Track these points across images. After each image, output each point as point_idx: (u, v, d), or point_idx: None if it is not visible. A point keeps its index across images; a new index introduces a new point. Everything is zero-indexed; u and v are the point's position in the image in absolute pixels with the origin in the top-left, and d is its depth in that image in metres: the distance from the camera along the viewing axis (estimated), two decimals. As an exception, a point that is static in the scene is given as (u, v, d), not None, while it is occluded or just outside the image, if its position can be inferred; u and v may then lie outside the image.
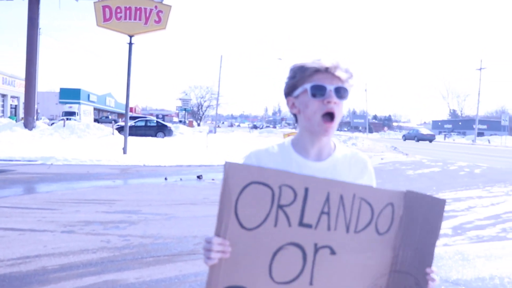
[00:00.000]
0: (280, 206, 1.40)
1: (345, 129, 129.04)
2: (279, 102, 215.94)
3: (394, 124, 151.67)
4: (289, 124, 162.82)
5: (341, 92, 1.60)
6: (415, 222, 1.51)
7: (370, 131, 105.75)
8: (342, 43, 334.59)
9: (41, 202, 8.50)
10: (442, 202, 1.50)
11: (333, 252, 1.45)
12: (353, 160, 1.74)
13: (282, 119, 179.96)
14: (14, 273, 4.70)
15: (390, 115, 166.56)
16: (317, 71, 1.59)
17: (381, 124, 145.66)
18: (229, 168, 1.37)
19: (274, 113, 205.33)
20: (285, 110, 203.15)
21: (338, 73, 1.60)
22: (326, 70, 1.59)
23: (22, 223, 6.81)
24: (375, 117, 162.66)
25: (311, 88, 1.59)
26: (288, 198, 1.41)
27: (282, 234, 1.40)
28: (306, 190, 1.42)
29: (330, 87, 1.58)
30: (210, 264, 1.38)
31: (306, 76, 1.60)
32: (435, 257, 4.20)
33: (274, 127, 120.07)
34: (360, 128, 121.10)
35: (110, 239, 6.10)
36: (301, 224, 1.42)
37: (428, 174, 16.07)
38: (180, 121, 76.36)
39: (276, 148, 1.73)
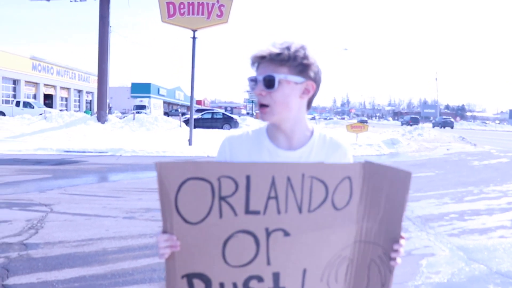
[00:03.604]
0: (222, 198, 1.38)
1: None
2: (347, 93, 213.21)
3: (468, 114, 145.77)
4: (357, 115, 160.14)
5: (267, 81, 1.53)
6: (379, 194, 1.47)
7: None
8: (410, 29, 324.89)
9: (107, 190, 9.07)
10: (408, 175, 1.44)
11: (287, 234, 1.42)
12: (332, 148, 1.67)
13: (351, 110, 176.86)
14: (78, 253, 5.13)
15: (463, 105, 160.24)
16: (253, 62, 1.58)
17: (454, 114, 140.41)
18: (161, 169, 1.36)
19: (343, 104, 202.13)
20: (354, 101, 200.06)
21: (269, 61, 1.54)
22: (261, 59, 1.55)
23: (89, 209, 7.33)
24: (447, 107, 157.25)
25: (248, 81, 1.59)
26: (229, 189, 1.38)
27: (230, 224, 1.39)
28: (248, 178, 1.38)
29: (259, 78, 1.54)
30: (162, 259, 1.42)
31: (250, 67, 1.59)
32: (488, 249, 4.29)
33: (343, 118, 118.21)
34: (431, 118, 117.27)
35: (168, 225, 6.43)
36: (247, 212, 1.40)
37: (495, 165, 15.53)
38: (248, 113, 77.05)
39: (251, 134, 1.70)
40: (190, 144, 19.22)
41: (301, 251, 1.44)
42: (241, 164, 1.41)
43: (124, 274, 4.54)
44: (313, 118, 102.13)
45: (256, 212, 1.40)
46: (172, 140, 20.82)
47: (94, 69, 26.85)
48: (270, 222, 1.40)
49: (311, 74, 1.57)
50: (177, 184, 1.36)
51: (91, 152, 16.48)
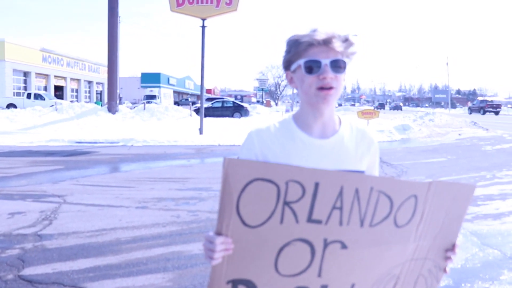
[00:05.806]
0: (286, 203, 1.31)
1: (426, 105, 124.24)
2: (357, 79, 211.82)
3: (479, 98, 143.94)
4: (368, 101, 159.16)
5: (337, 65, 1.51)
6: (440, 212, 1.44)
7: (453, 106, 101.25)
8: (420, 14, 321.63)
9: (119, 181, 9.10)
10: (471, 188, 1.45)
11: (344, 247, 1.37)
12: (359, 136, 1.66)
13: (361, 96, 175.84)
14: (91, 244, 5.17)
15: (474, 89, 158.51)
16: (310, 45, 1.51)
17: (465, 98, 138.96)
18: (229, 165, 1.27)
19: (353, 91, 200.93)
20: (364, 87, 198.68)
21: (333, 45, 1.50)
22: (320, 43, 1.50)
23: (101, 199, 7.38)
24: (458, 91, 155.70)
25: (305, 64, 1.52)
26: (295, 194, 1.31)
27: (289, 230, 1.33)
28: (317, 185, 1.32)
29: (326, 61, 1.50)
30: (213, 263, 1.33)
31: (301, 51, 1.53)
32: (502, 234, 4.25)
33: (353, 105, 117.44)
34: (442, 103, 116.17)
35: (180, 214, 6.48)
36: (309, 220, 1.33)
37: (507, 150, 15.36)
38: (258, 101, 76.69)
39: (278, 125, 1.66)
40: (201, 133, 19.24)
41: (354, 265, 1.41)
42: (311, 170, 1.33)
43: (138, 264, 4.57)
44: None
45: (318, 222, 1.34)
46: (183, 129, 20.83)
47: (104, 60, 26.93)
48: (330, 233, 1.36)
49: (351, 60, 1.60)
50: (243, 183, 1.28)
51: (103, 142, 16.56)
